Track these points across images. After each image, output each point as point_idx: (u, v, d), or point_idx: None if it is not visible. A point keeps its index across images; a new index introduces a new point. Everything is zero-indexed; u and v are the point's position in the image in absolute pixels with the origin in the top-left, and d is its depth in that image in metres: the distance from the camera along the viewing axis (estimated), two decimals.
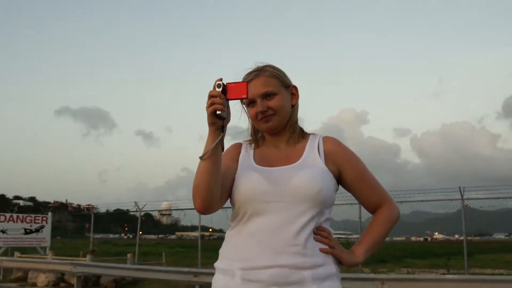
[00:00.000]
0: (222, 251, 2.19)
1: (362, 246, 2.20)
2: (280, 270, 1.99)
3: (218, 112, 1.97)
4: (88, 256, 19.74)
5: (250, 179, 2.14)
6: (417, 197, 19.49)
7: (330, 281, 2.06)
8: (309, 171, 2.10)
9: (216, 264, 2.19)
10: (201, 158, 2.04)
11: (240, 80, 2.19)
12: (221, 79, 2.01)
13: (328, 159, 2.18)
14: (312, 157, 2.18)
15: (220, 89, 1.99)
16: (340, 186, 2.26)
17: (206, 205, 2.08)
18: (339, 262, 2.15)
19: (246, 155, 2.30)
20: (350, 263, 2.15)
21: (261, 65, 2.26)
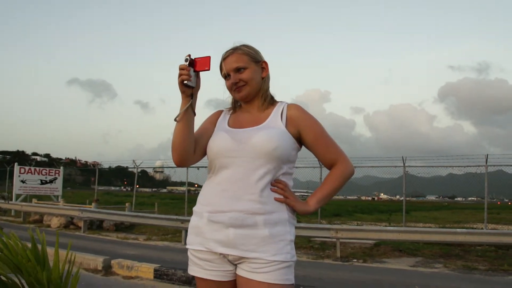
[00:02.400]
0: (198, 197, 2.24)
1: (315, 198, 2.20)
2: (237, 214, 2.03)
3: (185, 82, 2.05)
4: (93, 204, 19.75)
5: (219, 138, 2.18)
6: (368, 163, 19.71)
7: (281, 226, 2.08)
8: (267, 131, 2.12)
9: (193, 208, 2.24)
10: (175, 120, 2.12)
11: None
12: (189, 55, 2.07)
13: (289, 122, 2.18)
14: (274, 120, 2.18)
15: (187, 63, 2.06)
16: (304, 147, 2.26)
17: (180, 159, 2.16)
18: (294, 210, 2.17)
19: (223, 120, 2.32)
20: (302, 212, 2.17)
21: (238, 44, 2.27)
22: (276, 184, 2.11)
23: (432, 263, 10.76)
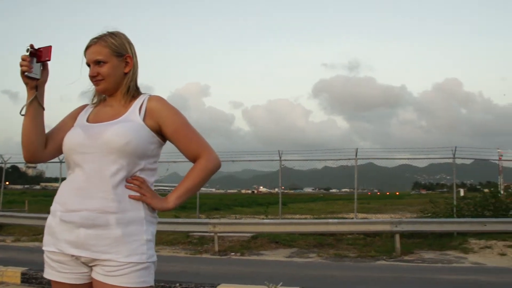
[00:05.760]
0: (55, 196, 2.12)
1: (175, 194, 2.11)
2: (88, 213, 1.93)
3: (26, 73, 1.96)
4: None
5: (72, 134, 2.08)
6: (247, 157, 20.02)
7: (136, 225, 1.99)
8: (120, 125, 2.02)
9: (51, 207, 2.11)
10: (20, 113, 2.03)
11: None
12: (31, 45, 1.98)
13: (148, 115, 2.09)
14: (132, 114, 2.09)
15: (28, 53, 1.96)
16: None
17: (29, 155, 2.09)
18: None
19: (84, 114, 2.21)
20: (160, 209, 2.09)
21: (106, 31, 2.15)
22: (132, 181, 2.02)
23: (307, 253, 11.21)
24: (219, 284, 6.44)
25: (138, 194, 2.02)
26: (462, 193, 21.37)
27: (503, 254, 10.48)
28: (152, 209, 2.07)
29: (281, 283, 4.12)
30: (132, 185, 2.01)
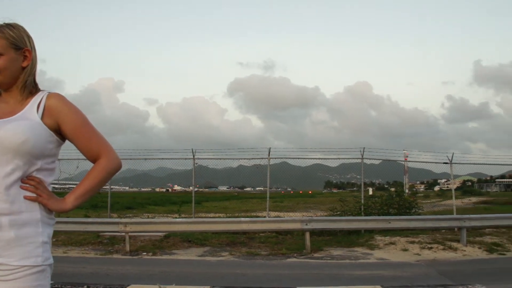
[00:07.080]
0: None
1: (73, 194, 2.05)
2: None
3: None
4: None
5: None
6: (162, 155, 19.76)
7: (31, 227, 1.91)
8: (16, 123, 1.94)
9: None
10: None
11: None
12: None
13: (46, 113, 2.02)
14: (29, 112, 2.01)
15: None
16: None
17: None
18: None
19: None
20: (57, 210, 2.02)
21: (2, 23, 2.04)
22: (27, 181, 1.94)
23: (220, 251, 11.31)
24: (128, 285, 6.40)
25: (34, 194, 1.94)
26: (370, 192, 22.38)
27: (405, 250, 11.08)
28: (49, 210, 2.01)
29: (174, 284, 4.18)
30: (27, 185, 1.94)
